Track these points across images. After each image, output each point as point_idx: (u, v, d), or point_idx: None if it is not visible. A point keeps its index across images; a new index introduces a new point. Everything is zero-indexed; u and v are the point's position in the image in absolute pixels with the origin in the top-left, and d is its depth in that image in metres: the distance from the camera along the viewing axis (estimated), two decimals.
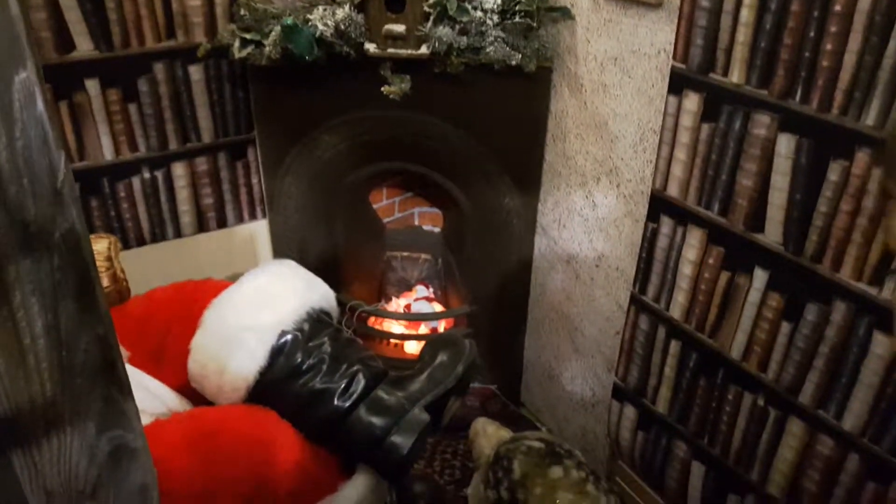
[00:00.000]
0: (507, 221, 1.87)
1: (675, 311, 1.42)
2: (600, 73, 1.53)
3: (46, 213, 0.37)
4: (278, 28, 1.60)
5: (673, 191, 1.36)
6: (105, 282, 1.45)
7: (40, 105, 0.37)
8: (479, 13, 1.59)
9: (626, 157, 1.51)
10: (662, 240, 1.42)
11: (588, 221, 1.69)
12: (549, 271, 1.89)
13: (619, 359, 1.62)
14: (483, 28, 1.60)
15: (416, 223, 2.32)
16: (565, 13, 1.58)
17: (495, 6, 1.59)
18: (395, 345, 2.20)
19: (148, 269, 1.96)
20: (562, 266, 1.83)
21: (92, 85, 1.69)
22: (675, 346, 1.45)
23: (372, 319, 2.13)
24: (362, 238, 2.16)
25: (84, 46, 1.65)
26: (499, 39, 1.60)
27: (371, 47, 1.64)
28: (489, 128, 1.76)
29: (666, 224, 1.40)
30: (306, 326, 1.30)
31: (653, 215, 1.43)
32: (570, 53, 1.61)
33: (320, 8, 1.63)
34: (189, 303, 1.36)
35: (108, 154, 1.79)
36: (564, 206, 1.76)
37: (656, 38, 1.35)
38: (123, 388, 0.46)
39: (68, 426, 0.41)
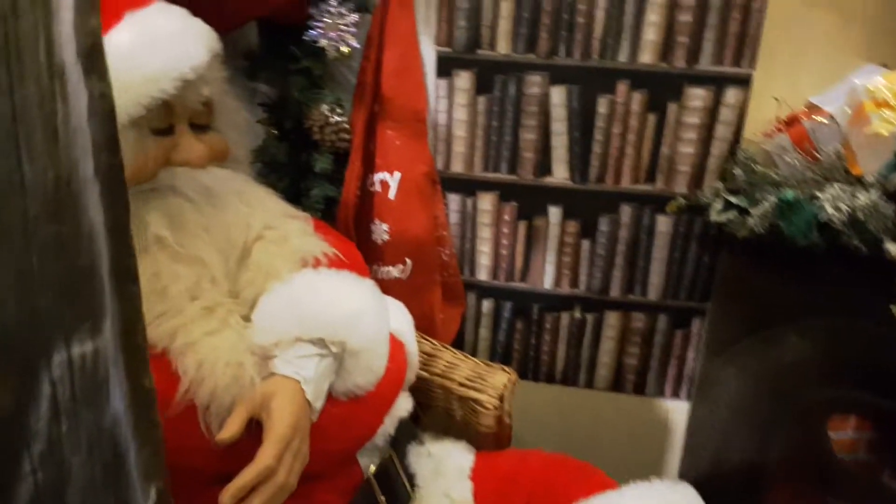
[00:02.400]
0: None
1: None
2: None
3: None
4: (773, 199, 1.31)
5: None
6: (489, 421, 1.33)
7: (118, 403, 0.17)
8: None
9: None
10: None
11: None
12: None
13: None
14: None
15: (886, 478, 1.71)
16: None
17: None
18: None
19: (545, 409, 1.82)
20: None
21: (554, 212, 1.64)
22: None
23: None
24: (801, 471, 1.65)
25: (559, 174, 1.60)
26: None
27: (893, 249, 1.23)
28: None
29: None
30: None
31: None
32: None
33: (836, 186, 1.29)
34: (557, 489, 1.14)
35: (548, 283, 1.71)
36: None
37: None
38: None
39: None
